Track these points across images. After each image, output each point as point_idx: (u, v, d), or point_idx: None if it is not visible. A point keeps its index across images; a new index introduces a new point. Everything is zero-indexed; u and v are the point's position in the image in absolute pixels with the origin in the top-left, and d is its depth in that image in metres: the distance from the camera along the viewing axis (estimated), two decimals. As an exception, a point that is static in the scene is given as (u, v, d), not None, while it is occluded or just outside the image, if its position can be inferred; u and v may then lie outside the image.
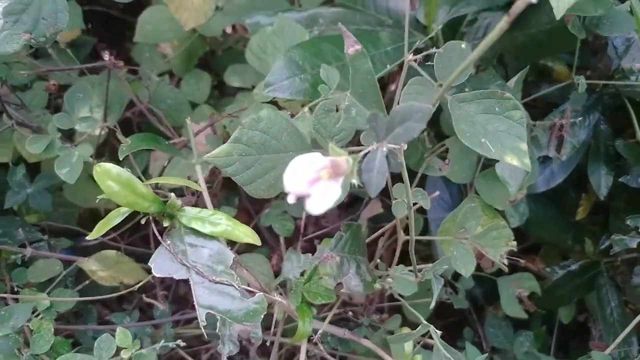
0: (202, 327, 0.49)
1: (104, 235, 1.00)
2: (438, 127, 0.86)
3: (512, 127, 0.50)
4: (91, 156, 0.73)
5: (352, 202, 1.20)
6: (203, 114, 1.00)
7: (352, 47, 0.36)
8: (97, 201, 0.53)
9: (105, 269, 0.92)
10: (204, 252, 0.51)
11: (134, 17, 1.02)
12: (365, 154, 0.35)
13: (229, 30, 1.00)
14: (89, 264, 0.91)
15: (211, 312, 0.49)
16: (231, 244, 0.92)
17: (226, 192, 1.06)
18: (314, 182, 0.30)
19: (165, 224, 0.53)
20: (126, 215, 0.54)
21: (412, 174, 0.73)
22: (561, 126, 0.74)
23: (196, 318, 0.89)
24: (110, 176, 0.49)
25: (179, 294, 1.22)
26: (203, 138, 0.79)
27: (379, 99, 0.37)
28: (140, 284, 0.67)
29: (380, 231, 0.80)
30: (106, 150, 0.96)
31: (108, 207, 1.10)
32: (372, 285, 0.73)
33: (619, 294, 0.96)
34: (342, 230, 0.73)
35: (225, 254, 0.51)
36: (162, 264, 0.50)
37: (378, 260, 0.81)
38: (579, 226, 1.01)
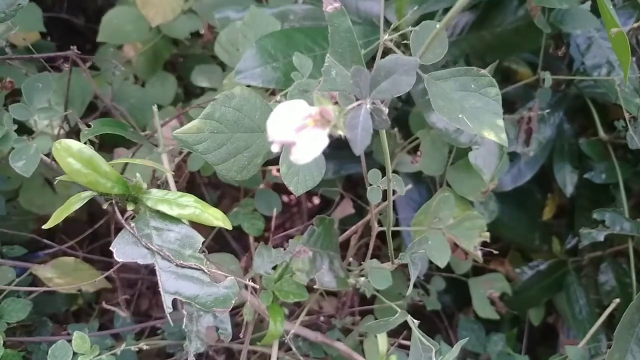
0: (168, 316, 0.46)
1: (61, 244, 0.95)
2: (407, 128, 0.86)
3: (488, 103, 0.50)
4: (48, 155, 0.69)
5: (322, 208, 1.18)
6: (168, 114, 0.97)
7: (330, 4, 0.35)
8: (55, 183, 0.49)
9: (63, 276, 0.87)
10: (170, 235, 0.48)
11: (97, 26, 0.99)
12: (351, 110, 0.33)
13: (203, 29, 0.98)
14: (45, 271, 0.85)
15: (177, 297, 0.46)
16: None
17: (188, 192, 1.03)
18: (299, 129, 0.29)
19: (130, 208, 0.50)
20: (87, 200, 0.51)
21: (381, 170, 0.72)
22: (529, 119, 0.75)
23: (159, 329, 0.86)
24: (71, 152, 0.46)
25: (140, 310, 1.17)
26: (169, 133, 0.76)
27: (360, 58, 0.36)
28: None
29: (353, 228, 0.78)
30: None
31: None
32: (345, 281, 0.70)
33: (587, 292, 0.97)
34: (314, 225, 0.71)
35: (194, 237, 0.48)
36: (125, 248, 0.47)
37: (350, 259, 0.79)
38: (545, 226, 1.03)
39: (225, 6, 0.85)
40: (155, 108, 0.62)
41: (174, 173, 0.59)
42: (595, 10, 0.83)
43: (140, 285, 1.11)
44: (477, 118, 0.49)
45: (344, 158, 0.92)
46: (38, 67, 0.89)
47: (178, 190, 0.68)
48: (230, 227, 0.50)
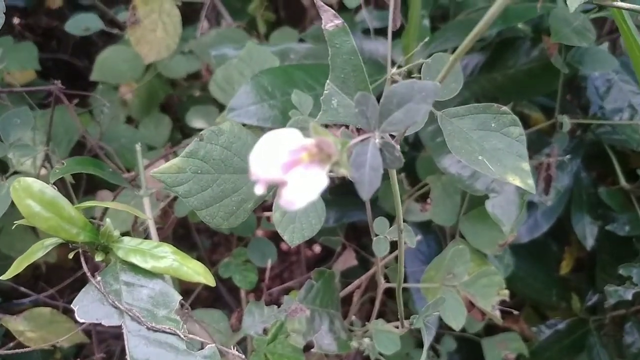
0: (137, 390, 0.38)
1: (39, 292, 0.88)
2: (414, 174, 0.80)
3: (511, 144, 0.44)
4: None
5: (324, 257, 1.11)
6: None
7: (330, 21, 0.30)
8: (12, 227, 0.43)
9: (36, 329, 0.79)
10: (142, 292, 0.41)
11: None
12: (356, 144, 0.27)
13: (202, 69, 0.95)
14: (17, 324, 0.77)
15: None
16: (184, 296, 0.81)
17: (183, 246, 0.96)
18: (291, 165, 0.22)
19: (98, 258, 0.43)
20: (50, 248, 0.44)
21: (388, 218, 0.66)
22: (548, 166, 0.69)
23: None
24: (31, 193, 0.39)
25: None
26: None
27: (367, 85, 0.31)
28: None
29: (356, 282, 0.71)
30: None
31: (48, 260, 0.97)
32: (347, 343, 0.63)
33: (611, 354, 0.88)
34: (312, 279, 0.63)
35: (170, 296, 0.41)
36: (88, 307, 0.39)
37: (353, 318, 0.71)
38: (563, 281, 0.95)
39: (222, 44, 0.81)
40: (138, 147, 0.57)
41: (152, 219, 0.52)
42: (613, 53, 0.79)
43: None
44: (499, 161, 0.43)
45: (347, 204, 0.85)
46: (31, 106, 0.85)
47: (163, 238, 0.62)
48: (213, 284, 0.43)
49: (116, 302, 0.39)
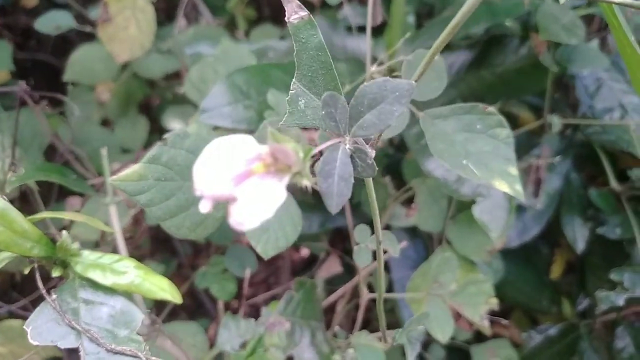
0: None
1: (9, 303, 0.84)
2: (400, 176, 0.77)
3: (498, 147, 0.41)
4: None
5: (311, 260, 1.08)
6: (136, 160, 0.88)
7: (295, 13, 0.27)
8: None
9: (6, 342, 0.74)
10: (102, 311, 0.38)
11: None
12: (321, 151, 0.24)
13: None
14: (-15, 337, 0.73)
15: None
16: (159, 307, 0.78)
17: (164, 252, 0.93)
18: (242, 177, 0.19)
19: (55, 274, 0.40)
20: (4, 263, 0.41)
21: (371, 224, 0.63)
22: (537, 168, 0.66)
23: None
24: (-24, 205, 0.36)
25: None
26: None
27: (337, 84, 0.28)
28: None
29: (339, 291, 0.68)
30: (22, 205, 0.81)
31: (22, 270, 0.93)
32: (329, 357, 0.60)
33: (603, 358, 0.86)
34: (293, 289, 0.60)
35: (131, 314, 0.38)
36: (43, 328, 0.36)
37: (336, 328, 0.68)
38: (553, 285, 0.93)
39: (197, 42, 0.78)
40: (104, 151, 0.53)
41: (119, 230, 0.49)
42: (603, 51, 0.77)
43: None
44: (485, 165, 0.41)
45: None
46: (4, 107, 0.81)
47: (135, 247, 0.58)
48: (179, 301, 0.39)
49: (73, 322, 0.36)
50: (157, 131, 1.02)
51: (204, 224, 0.42)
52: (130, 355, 0.36)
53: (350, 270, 0.87)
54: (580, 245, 0.83)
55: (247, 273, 0.66)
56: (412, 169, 0.75)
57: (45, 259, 0.40)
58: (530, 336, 0.91)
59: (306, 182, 0.21)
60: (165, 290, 0.39)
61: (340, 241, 0.94)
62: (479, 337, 0.89)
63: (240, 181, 0.19)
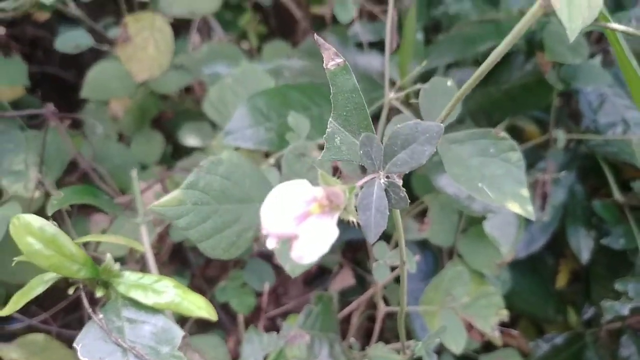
0: None
1: (32, 316, 0.86)
2: (409, 189, 0.80)
3: (510, 170, 0.44)
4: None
5: (318, 274, 1.10)
6: (153, 175, 0.91)
7: (332, 60, 0.30)
8: (12, 264, 0.42)
9: (30, 356, 0.77)
10: (145, 329, 0.40)
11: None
12: (361, 187, 0.27)
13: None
14: (9, 351, 0.76)
15: (152, 407, 0.38)
16: (181, 321, 0.80)
17: (176, 263, 0.95)
18: (302, 218, 0.22)
19: (99, 294, 0.43)
20: (50, 283, 0.44)
21: (384, 238, 0.66)
22: (544, 183, 0.69)
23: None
24: (31, 230, 0.39)
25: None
26: (151, 197, 0.70)
27: (369, 124, 0.30)
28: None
29: (354, 303, 0.70)
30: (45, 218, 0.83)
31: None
32: (347, 366, 0.62)
33: (609, 368, 0.88)
34: (311, 303, 0.63)
35: (172, 332, 0.41)
36: (91, 345, 0.39)
37: (352, 340, 0.71)
38: (559, 295, 0.95)
39: (214, 61, 0.81)
40: (134, 174, 0.56)
41: (150, 250, 0.52)
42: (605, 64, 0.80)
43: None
44: (498, 188, 0.43)
45: (343, 221, 0.85)
46: (20, 125, 0.83)
47: (160, 264, 0.61)
48: (215, 318, 0.42)
49: (119, 340, 0.39)
50: (170, 145, 1.05)
51: (236, 245, 0.45)
52: (173, 370, 0.39)
53: (362, 281, 0.90)
54: (585, 256, 0.85)
55: (266, 287, 0.69)
56: (422, 183, 0.78)
57: (89, 279, 0.43)
58: (538, 345, 0.93)
59: (352, 218, 0.24)
60: (202, 308, 0.42)
61: (352, 253, 0.97)
62: (487, 346, 0.91)
63: (301, 221, 0.22)
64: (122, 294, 0.41)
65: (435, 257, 0.80)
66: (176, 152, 1.07)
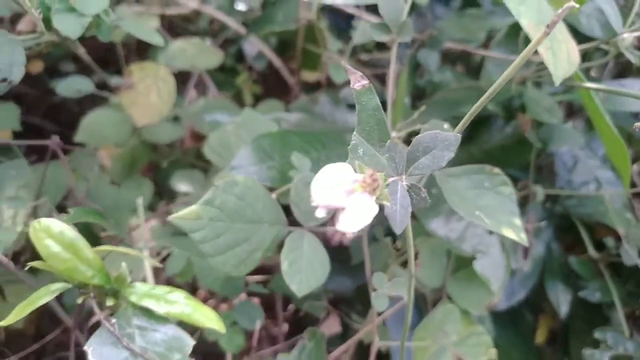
0: None
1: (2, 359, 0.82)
2: (395, 237, 0.83)
3: (503, 202, 0.48)
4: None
5: (301, 316, 1.09)
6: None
7: (358, 82, 0.34)
8: (25, 269, 0.43)
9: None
10: (156, 336, 0.41)
11: (71, 134, 0.97)
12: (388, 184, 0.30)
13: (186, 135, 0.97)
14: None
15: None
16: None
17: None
18: (349, 193, 0.25)
19: (109, 303, 0.43)
20: (57, 293, 0.44)
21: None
22: (526, 231, 0.73)
23: None
24: (51, 234, 0.40)
25: None
26: (146, 232, 0.71)
27: (388, 136, 0.34)
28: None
29: (343, 346, 0.71)
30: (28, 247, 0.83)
31: (13, 327, 0.92)
32: (339, 405, 0.62)
33: None
34: (305, 339, 0.63)
35: (183, 340, 0.41)
36: (102, 349, 0.39)
37: (340, 382, 0.70)
38: (540, 350, 0.97)
39: (212, 111, 0.85)
40: (140, 200, 0.58)
41: (151, 272, 0.53)
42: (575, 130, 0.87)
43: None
44: (494, 217, 0.47)
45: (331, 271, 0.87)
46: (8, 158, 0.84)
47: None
48: (224, 330, 0.43)
49: (130, 345, 0.39)
50: (156, 193, 1.06)
51: (245, 262, 0.46)
52: (184, 378, 0.39)
53: (348, 331, 0.90)
54: (563, 310, 0.88)
55: (258, 325, 0.69)
56: (413, 228, 0.81)
57: (99, 288, 0.43)
58: (520, 402, 0.94)
59: (386, 202, 0.27)
60: (213, 320, 0.43)
61: (336, 303, 0.97)
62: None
63: (348, 195, 0.25)
64: (134, 303, 0.42)
65: (418, 307, 0.82)
66: (161, 198, 1.08)
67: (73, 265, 0.40)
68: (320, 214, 0.25)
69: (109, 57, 1.11)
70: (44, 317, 0.97)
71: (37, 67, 1.12)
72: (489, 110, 0.89)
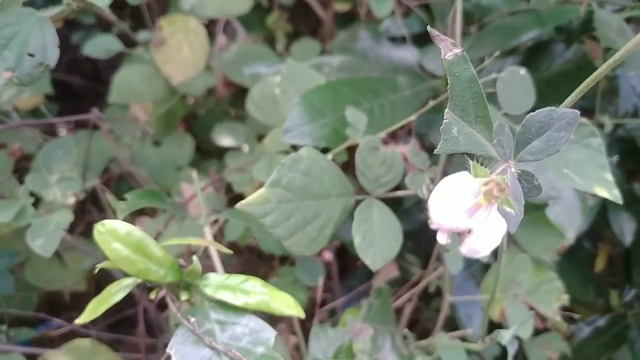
0: None
1: (69, 321, 0.86)
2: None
3: (592, 156, 0.44)
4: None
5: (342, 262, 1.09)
6: (188, 177, 0.90)
7: (449, 51, 0.29)
8: (95, 272, 0.42)
9: (80, 361, 0.77)
10: (237, 330, 0.40)
11: (97, 86, 0.93)
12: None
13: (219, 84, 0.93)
14: (58, 358, 0.75)
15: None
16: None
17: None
18: (472, 211, 0.21)
19: (184, 297, 0.42)
20: (130, 289, 0.43)
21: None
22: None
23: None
24: (117, 236, 0.38)
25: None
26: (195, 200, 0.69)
27: (487, 114, 0.30)
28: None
29: (406, 295, 0.70)
30: (80, 222, 0.83)
31: (76, 289, 0.95)
32: (411, 359, 0.62)
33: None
34: (371, 296, 0.63)
35: (265, 331, 0.40)
36: (185, 350, 0.38)
37: (405, 331, 0.70)
38: (599, 278, 0.95)
39: (250, 61, 0.80)
40: (194, 174, 0.55)
41: (217, 251, 0.51)
42: None
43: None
44: (583, 173, 0.43)
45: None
46: (40, 131, 0.83)
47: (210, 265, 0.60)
48: (303, 316, 0.42)
49: (213, 343, 0.38)
50: (198, 146, 1.04)
51: (316, 241, 0.44)
52: (271, 371, 0.39)
53: (405, 273, 0.89)
54: (628, 239, 0.85)
55: (320, 281, 0.69)
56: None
57: (172, 284, 0.42)
58: (580, 328, 0.94)
59: (510, 209, 0.23)
60: (292, 306, 0.41)
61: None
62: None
63: (472, 214, 0.21)
64: (209, 296, 0.41)
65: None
66: (202, 153, 1.06)
67: (144, 267, 0.39)
68: (442, 239, 0.21)
69: (127, 6, 1.05)
70: (102, 273, 1.00)
71: (58, 23, 1.07)
72: (548, 35, 0.82)
